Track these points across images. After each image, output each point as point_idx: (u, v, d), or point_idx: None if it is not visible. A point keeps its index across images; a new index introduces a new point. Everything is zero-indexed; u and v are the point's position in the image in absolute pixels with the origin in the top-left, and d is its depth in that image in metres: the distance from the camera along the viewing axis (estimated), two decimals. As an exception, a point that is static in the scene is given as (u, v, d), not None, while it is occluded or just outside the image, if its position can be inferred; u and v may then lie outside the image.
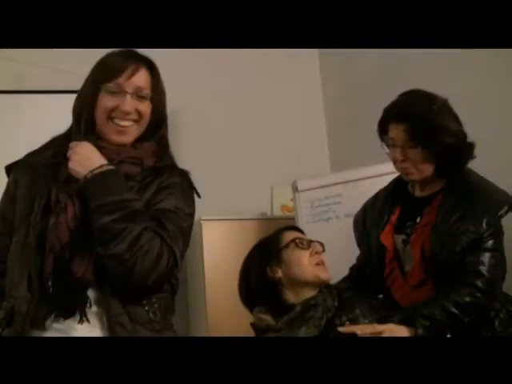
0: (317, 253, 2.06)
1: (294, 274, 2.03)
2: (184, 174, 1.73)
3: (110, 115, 1.63)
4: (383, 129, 2.03)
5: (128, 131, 1.65)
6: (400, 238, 2.03)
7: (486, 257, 1.87)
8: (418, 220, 2.00)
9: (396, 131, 1.97)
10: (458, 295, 1.84)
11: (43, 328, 1.55)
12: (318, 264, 2.04)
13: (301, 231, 2.18)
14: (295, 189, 3.24)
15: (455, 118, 1.99)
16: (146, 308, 1.58)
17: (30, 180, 1.65)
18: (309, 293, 2.02)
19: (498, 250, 1.89)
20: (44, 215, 1.59)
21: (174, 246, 1.57)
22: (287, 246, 2.07)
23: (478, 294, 1.84)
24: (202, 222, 3.33)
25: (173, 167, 1.72)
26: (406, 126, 1.94)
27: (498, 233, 1.91)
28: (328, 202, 3.11)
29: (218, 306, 3.18)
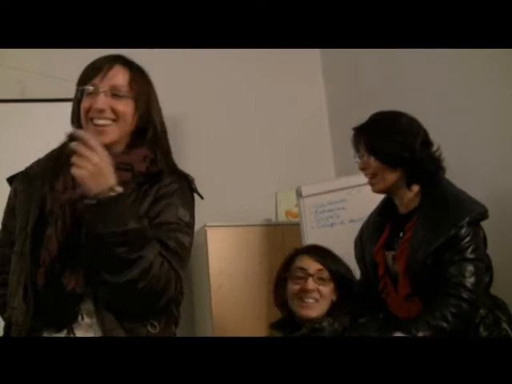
0: (306, 291, 2.11)
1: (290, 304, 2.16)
2: (183, 178, 1.69)
3: (89, 116, 1.60)
4: (355, 145, 2.18)
5: (106, 130, 1.60)
6: (390, 254, 2.12)
7: (467, 267, 1.92)
8: (400, 235, 2.10)
9: (361, 144, 2.13)
10: (444, 308, 1.89)
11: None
12: (302, 301, 2.11)
13: (316, 253, 2.21)
14: (299, 194, 3.24)
15: (419, 137, 2.08)
16: (142, 323, 1.56)
17: (27, 190, 1.65)
18: (302, 322, 2.10)
19: (477, 259, 1.94)
20: (39, 225, 1.57)
21: (180, 270, 1.57)
22: (289, 276, 2.18)
23: (463, 305, 1.89)
24: (206, 228, 3.33)
25: (171, 171, 1.67)
26: (365, 138, 2.12)
27: (476, 240, 1.96)
28: (332, 207, 3.11)
29: (224, 311, 3.18)
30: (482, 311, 1.96)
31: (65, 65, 3.03)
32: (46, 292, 1.53)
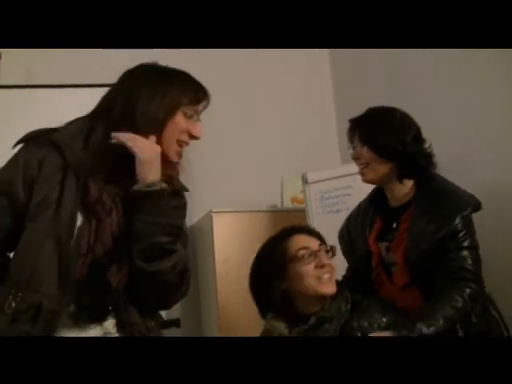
0: (322, 266, 2.00)
1: (298, 289, 2.01)
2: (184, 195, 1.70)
3: (178, 138, 1.61)
4: (350, 135, 2.23)
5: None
6: (383, 245, 2.17)
7: (467, 253, 1.99)
8: (394, 226, 2.15)
9: (356, 134, 2.19)
10: (455, 293, 1.94)
11: (63, 325, 1.51)
12: (319, 278, 1.99)
13: (308, 231, 2.14)
14: (305, 181, 3.24)
15: (410, 133, 2.14)
16: (152, 317, 1.63)
17: (57, 163, 1.56)
18: (317, 305, 1.99)
19: (476, 248, 2.02)
20: (75, 208, 1.53)
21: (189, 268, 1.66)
22: (291, 259, 2.02)
23: (473, 285, 1.96)
24: (212, 214, 3.33)
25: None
26: (359, 129, 2.18)
27: (472, 230, 2.04)
28: (338, 193, 3.11)
29: (229, 297, 3.19)
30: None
31: (71, 52, 3.04)
32: (88, 283, 1.52)
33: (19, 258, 1.56)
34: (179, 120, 1.60)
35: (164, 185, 1.54)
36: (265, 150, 3.91)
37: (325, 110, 4.13)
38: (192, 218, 3.47)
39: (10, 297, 1.50)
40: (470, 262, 1.98)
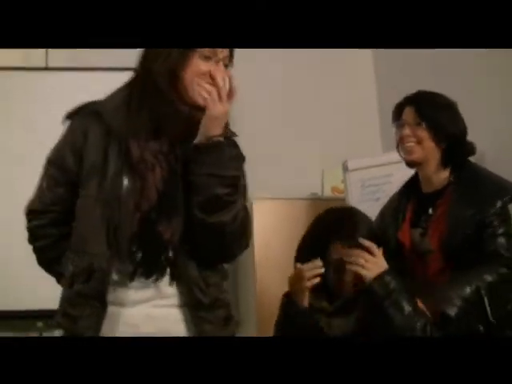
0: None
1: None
2: (237, 144, 1.72)
3: (197, 80, 1.60)
4: (398, 113, 2.24)
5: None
6: (417, 231, 2.17)
7: (503, 240, 1.99)
8: (430, 212, 2.15)
9: (407, 112, 2.20)
10: (486, 275, 1.95)
11: (122, 285, 1.59)
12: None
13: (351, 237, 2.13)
14: (346, 168, 3.24)
15: (460, 119, 2.19)
16: (213, 273, 1.65)
17: (101, 131, 1.63)
18: None
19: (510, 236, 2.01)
20: (121, 171, 1.60)
21: (251, 221, 1.71)
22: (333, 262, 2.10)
23: (504, 269, 1.96)
24: (253, 200, 3.35)
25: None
26: (415, 106, 2.18)
27: (508, 220, 2.03)
28: (378, 182, 3.10)
29: (268, 283, 3.21)
30: None
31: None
32: (139, 239, 1.58)
33: (76, 224, 1.64)
34: (196, 62, 1.60)
35: (221, 138, 1.57)
36: (307, 138, 3.90)
37: (367, 99, 4.10)
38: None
39: (69, 262, 1.62)
40: (505, 248, 1.97)
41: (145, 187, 1.59)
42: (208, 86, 1.58)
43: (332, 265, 2.09)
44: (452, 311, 1.91)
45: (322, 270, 2.03)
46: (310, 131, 3.92)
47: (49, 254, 1.73)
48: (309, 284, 2.03)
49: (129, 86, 1.69)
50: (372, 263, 1.98)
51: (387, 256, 2.24)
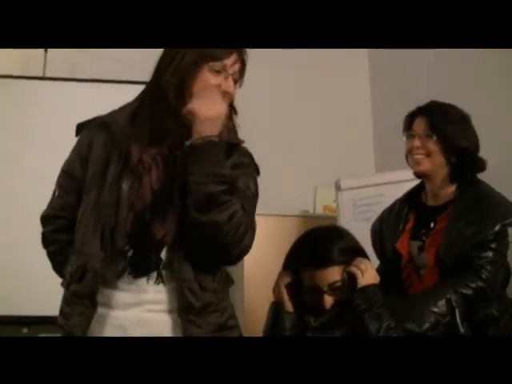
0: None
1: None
2: (251, 155, 1.77)
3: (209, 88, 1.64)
4: (409, 122, 2.22)
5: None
6: (416, 244, 2.15)
7: (489, 254, 1.98)
8: (431, 226, 2.13)
9: (418, 123, 2.18)
10: (461, 285, 1.96)
11: (114, 286, 1.61)
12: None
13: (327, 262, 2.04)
14: (338, 187, 3.25)
15: (473, 133, 2.17)
16: (211, 277, 1.64)
17: (105, 140, 1.69)
18: None
19: (501, 252, 2.02)
20: (121, 175, 1.63)
21: (254, 226, 1.67)
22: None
23: (480, 283, 1.95)
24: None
25: (240, 146, 1.76)
26: (427, 118, 2.16)
27: (503, 239, 2.03)
28: (370, 201, 3.12)
29: (256, 298, 3.20)
30: (495, 311, 2.00)
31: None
32: (131, 238, 1.60)
33: (76, 228, 1.68)
34: (206, 76, 1.64)
35: (215, 138, 1.58)
36: (301, 156, 3.93)
37: (362, 118, 4.12)
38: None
39: (69, 263, 1.65)
40: (489, 262, 1.97)
41: (140, 187, 1.61)
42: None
43: (307, 289, 2.05)
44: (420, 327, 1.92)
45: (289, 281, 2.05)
46: (304, 149, 3.94)
47: (58, 258, 1.78)
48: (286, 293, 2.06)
49: (139, 98, 1.74)
50: (370, 272, 1.96)
51: (384, 263, 2.27)
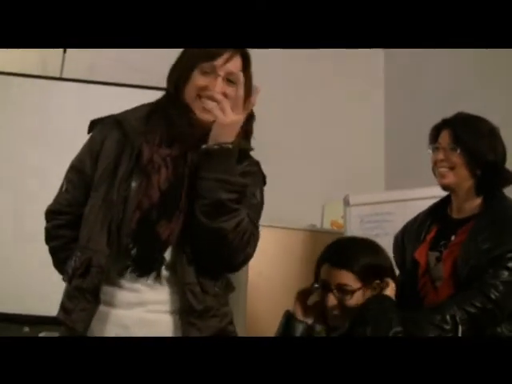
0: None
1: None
2: (259, 164, 1.78)
3: (199, 93, 1.67)
4: (434, 135, 2.19)
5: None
6: (434, 254, 2.13)
7: (505, 274, 1.94)
8: (452, 239, 2.11)
9: (443, 136, 2.15)
10: (466, 302, 1.93)
11: (117, 285, 1.62)
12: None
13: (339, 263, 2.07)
14: (347, 203, 3.25)
15: (501, 145, 2.13)
16: (213, 281, 1.65)
17: (118, 137, 1.70)
18: None
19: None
20: (130, 173, 1.64)
21: (257, 235, 1.67)
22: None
23: (487, 304, 1.92)
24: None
25: (249, 154, 1.77)
26: (451, 131, 2.13)
27: None
28: (378, 218, 3.11)
29: (258, 312, 3.20)
30: (505, 331, 1.97)
31: (133, 53, 3.12)
32: (136, 236, 1.60)
33: (83, 223, 1.69)
34: (195, 77, 1.66)
35: (230, 145, 1.59)
36: (309, 174, 3.92)
37: (374, 136, 4.13)
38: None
39: (73, 258, 1.65)
40: (503, 282, 1.93)
41: (148, 186, 1.62)
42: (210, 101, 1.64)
43: (319, 284, 2.06)
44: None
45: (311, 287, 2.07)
46: (314, 164, 3.94)
47: (60, 254, 1.77)
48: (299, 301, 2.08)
49: (155, 101, 1.77)
50: (390, 289, 1.97)
51: (403, 272, 2.24)
